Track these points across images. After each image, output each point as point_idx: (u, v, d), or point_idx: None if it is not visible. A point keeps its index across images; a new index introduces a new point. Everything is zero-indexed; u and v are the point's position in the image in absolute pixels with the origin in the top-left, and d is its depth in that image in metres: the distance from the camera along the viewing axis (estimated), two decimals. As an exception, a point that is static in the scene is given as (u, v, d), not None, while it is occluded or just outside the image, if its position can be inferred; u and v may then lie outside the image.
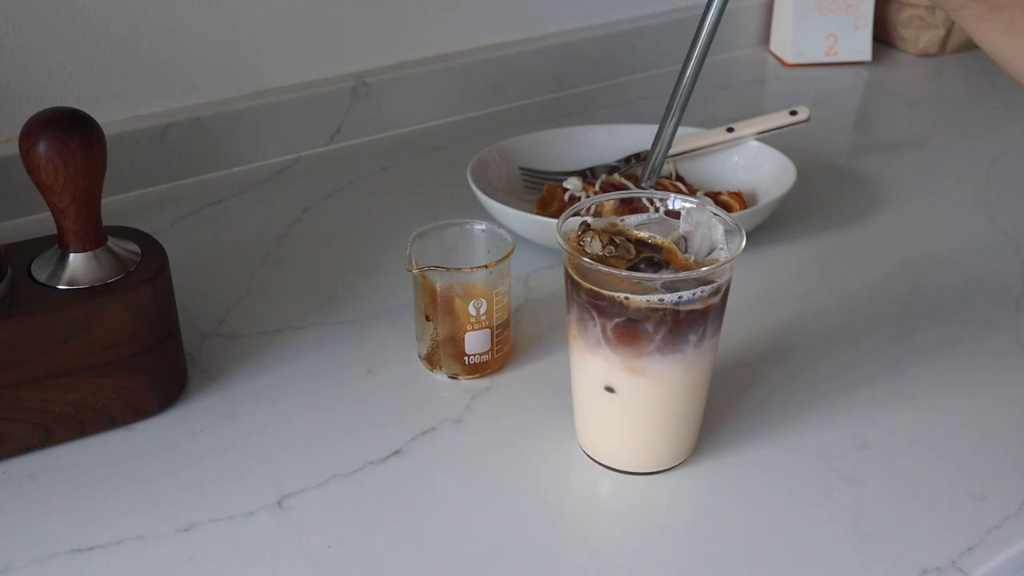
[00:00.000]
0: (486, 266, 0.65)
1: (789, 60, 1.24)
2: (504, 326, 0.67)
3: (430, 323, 0.66)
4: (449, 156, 0.99)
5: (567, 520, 0.57)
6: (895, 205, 0.91)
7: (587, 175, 0.89)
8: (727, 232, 0.57)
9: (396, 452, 0.62)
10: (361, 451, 0.61)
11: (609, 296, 0.54)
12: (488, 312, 0.65)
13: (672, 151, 0.89)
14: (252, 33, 0.96)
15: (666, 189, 0.84)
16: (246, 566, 0.54)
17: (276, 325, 0.73)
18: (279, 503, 0.58)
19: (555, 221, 0.58)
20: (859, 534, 0.56)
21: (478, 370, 0.68)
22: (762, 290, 0.78)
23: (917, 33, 1.26)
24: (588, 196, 0.78)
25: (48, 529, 0.56)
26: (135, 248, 0.64)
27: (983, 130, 1.08)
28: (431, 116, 1.07)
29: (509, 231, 0.69)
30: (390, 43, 1.04)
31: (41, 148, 0.57)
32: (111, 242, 0.62)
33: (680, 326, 0.54)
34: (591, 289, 0.55)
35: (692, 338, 0.55)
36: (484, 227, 0.69)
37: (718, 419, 0.64)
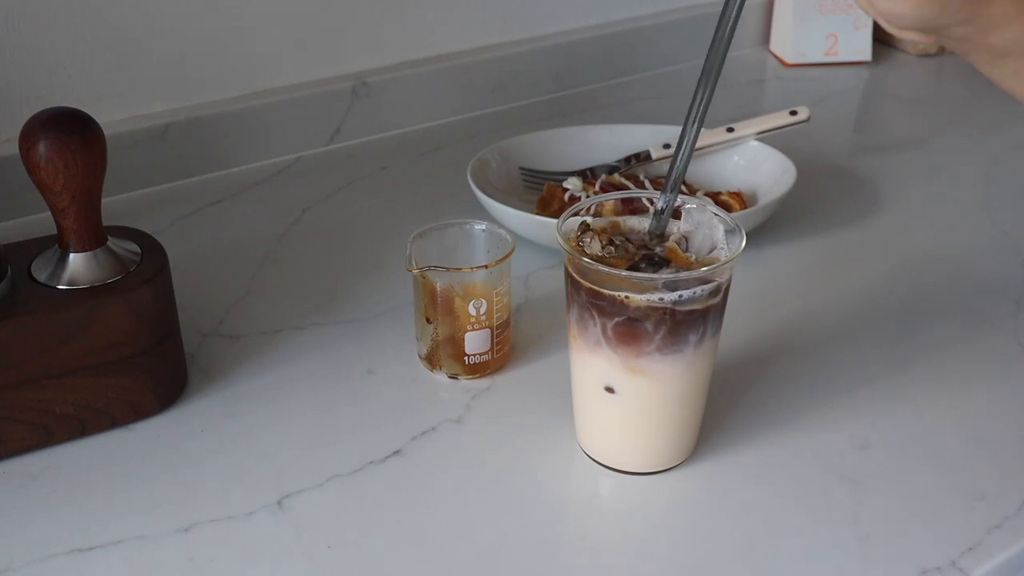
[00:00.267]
0: (486, 266, 0.65)
1: (789, 60, 1.24)
2: (504, 326, 0.67)
3: (430, 324, 0.66)
4: (449, 156, 0.99)
5: (567, 520, 0.57)
6: (895, 205, 0.91)
7: (587, 175, 0.89)
8: (727, 232, 0.57)
9: (396, 452, 0.62)
10: (361, 451, 0.61)
11: (609, 295, 0.54)
12: (488, 312, 0.65)
13: (672, 151, 0.89)
14: (252, 33, 0.96)
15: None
16: (246, 566, 0.54)
17: (276, 325, 0.73)
18: (279, 503, 0.58)
19: (555, 221, 0.58)
20: (859, 534, 0.56)
21: (478, 370, 0.68)
22: (762, 290, 0.78)
23: (917, 33, 1.26)
24: (588, 196, 0.78)
25: (48, 529, 0.56)
26: (135, 248, 0.64)
27: (983, 130, 1.08)
28: (431, 116, 1.07)
29: (509, 231, 0.69)
30: (390, 43, 1.04)
31: (41, 148, 0.57)
32: (111, 242, 0.62)
33: (680, 326, 0.54)
34: (591, 288, 0.55)
35: (692, 338, 0.55)
36: (484, 227, 0.69)
37: (718, 419, 0.64)
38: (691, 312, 0.54)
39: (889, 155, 1.01)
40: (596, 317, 0.55)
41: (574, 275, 0.56)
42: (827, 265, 0.82)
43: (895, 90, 1.21)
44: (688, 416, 0.59)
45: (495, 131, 1.03)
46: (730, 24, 0.55)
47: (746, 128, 0.90)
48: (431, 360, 0.68)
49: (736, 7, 0.55)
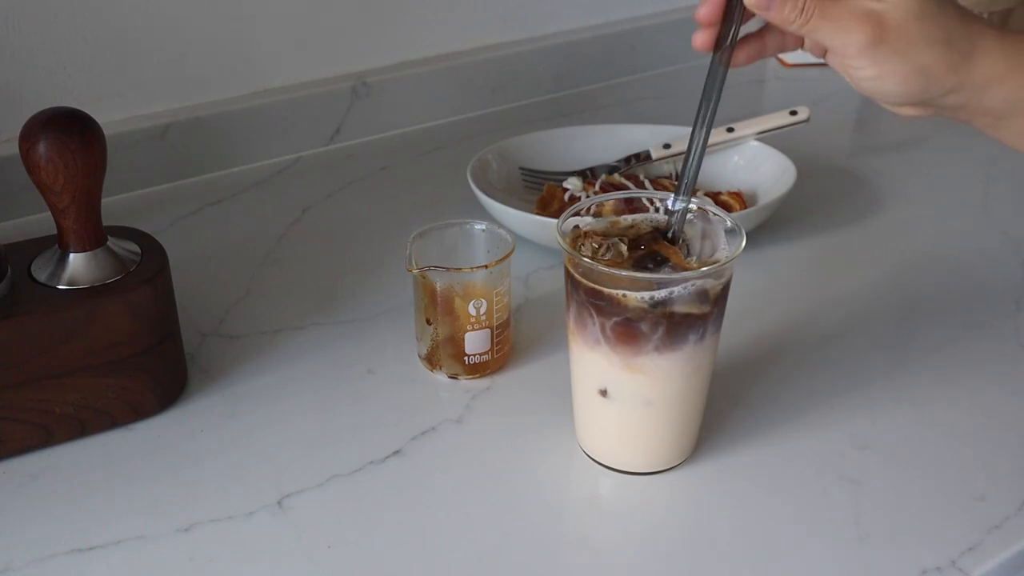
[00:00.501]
0: (486, 266, 0.65)
1: (789, 60, 1.24)
2: (504, 326, 0.67)
3: (430, 324, 0.66)
4: (449, 156, 0.99)
5: (567, 520, 0.57)
6: (895, 205, 0.91)
7: (587, 175, 0.89)
8: (727, 232, 0.57)
9: (396, 452, 0.62)
10: (361, 451, 0.61)
11: (608, 294, 0.54)
12: (488, 312, 0.65)
13: (672, 151, 0.90)
14: (252, 33, 0.96)
15: (666, 189, 0.84)
16: (246, 566, 0.54)
17: (276, 325, 0.73)
18: (279, 503, 0.58)
19: (555, 221, 0.58)
20: (859, 534, 0.56)
21: (478, 370, 0.68)
22: (762, 290, 0.78)
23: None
24: (588, 196, 0.78)
25: (48, 529, 0.56)
26: (135, 248, 0.64)
27: (983, 130, 1.08)
28: (431, 116, 1.07)
29: (509, 231, 0.69)
30: (390, 43, 1.04)
31: (41, 148, 0.57)
32: (111, 242, 0.62)
33: (679, 325, 0.54)
34: (590, 287, 0.55)
35: (692, 337, 0.55)
36: (484, 227, 0.69)
37: (718, 419, 0.64)
38: (690, 312, 0.54)
39: (889, 155, 1.01)
40: (595, 316, 0.55)
41: (574, 274, 0.56)
42: (827, 265, 0.82)
43: (895, 90, 1.21)
44: (688, 416, 0.59)
45: (495, 131, 1.03)
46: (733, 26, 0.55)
47: (746, 128, 0.90)
48: (431, 360, 0.68)
49: (738, 9, 0.55)
